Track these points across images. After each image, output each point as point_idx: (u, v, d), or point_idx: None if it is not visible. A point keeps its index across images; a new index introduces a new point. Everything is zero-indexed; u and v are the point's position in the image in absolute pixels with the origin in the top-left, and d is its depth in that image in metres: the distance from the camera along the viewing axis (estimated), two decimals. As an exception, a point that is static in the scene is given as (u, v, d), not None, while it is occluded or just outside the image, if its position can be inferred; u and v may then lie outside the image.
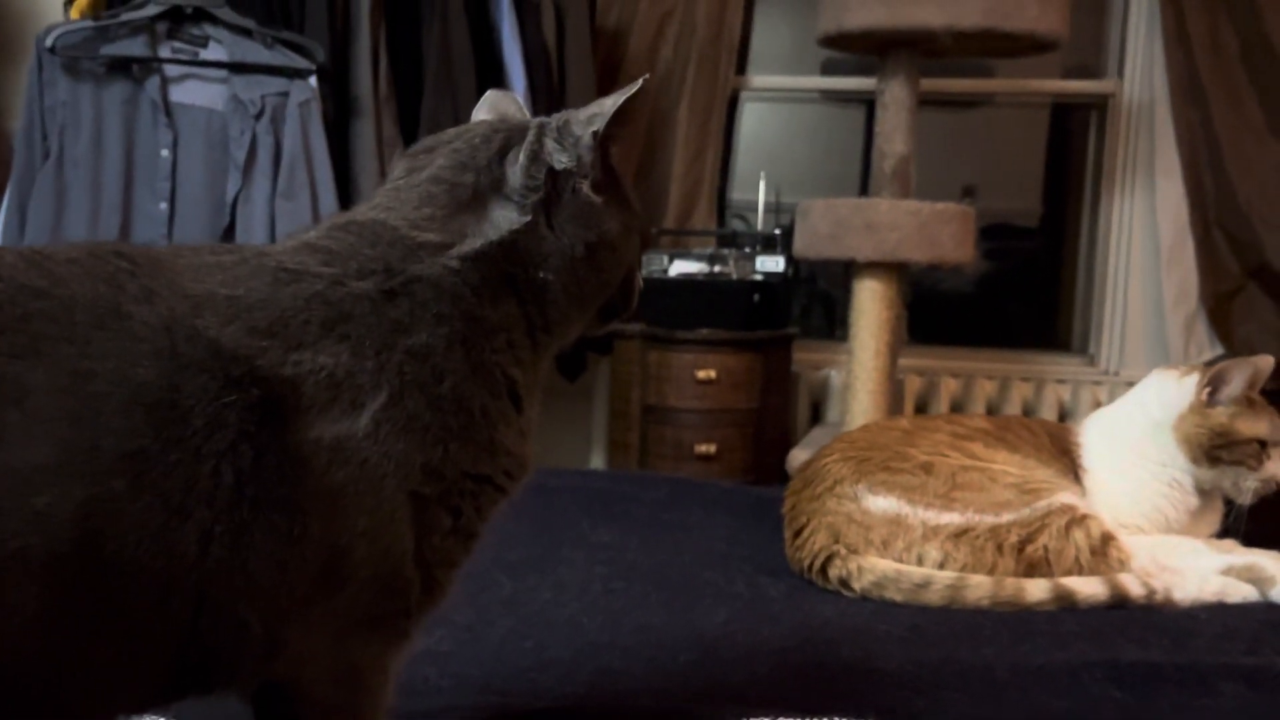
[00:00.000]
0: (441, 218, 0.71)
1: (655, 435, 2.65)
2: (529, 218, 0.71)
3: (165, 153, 2.29)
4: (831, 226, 2.32)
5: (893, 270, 2.35)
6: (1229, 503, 1.41)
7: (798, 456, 2.43)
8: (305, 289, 0.64)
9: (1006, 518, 1.26)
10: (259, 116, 2.32)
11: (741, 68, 3.08)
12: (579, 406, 2.98)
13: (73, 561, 0.53)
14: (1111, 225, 2.97)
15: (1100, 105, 3.03)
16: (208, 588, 0.58)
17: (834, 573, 1.27)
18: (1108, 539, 1.27)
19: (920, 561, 1.26)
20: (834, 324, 3.29)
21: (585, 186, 0.73)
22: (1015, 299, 3.47)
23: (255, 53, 2.33)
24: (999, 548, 1.24)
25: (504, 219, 0.71)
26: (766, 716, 0.88)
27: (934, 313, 3.30)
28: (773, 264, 2.73)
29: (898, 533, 1.26)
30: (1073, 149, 3.22)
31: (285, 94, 2.34)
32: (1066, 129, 3.28)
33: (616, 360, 2.73)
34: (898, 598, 1.23)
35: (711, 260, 2.72)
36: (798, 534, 1.33)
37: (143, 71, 2.29)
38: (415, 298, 0.67)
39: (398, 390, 0.64)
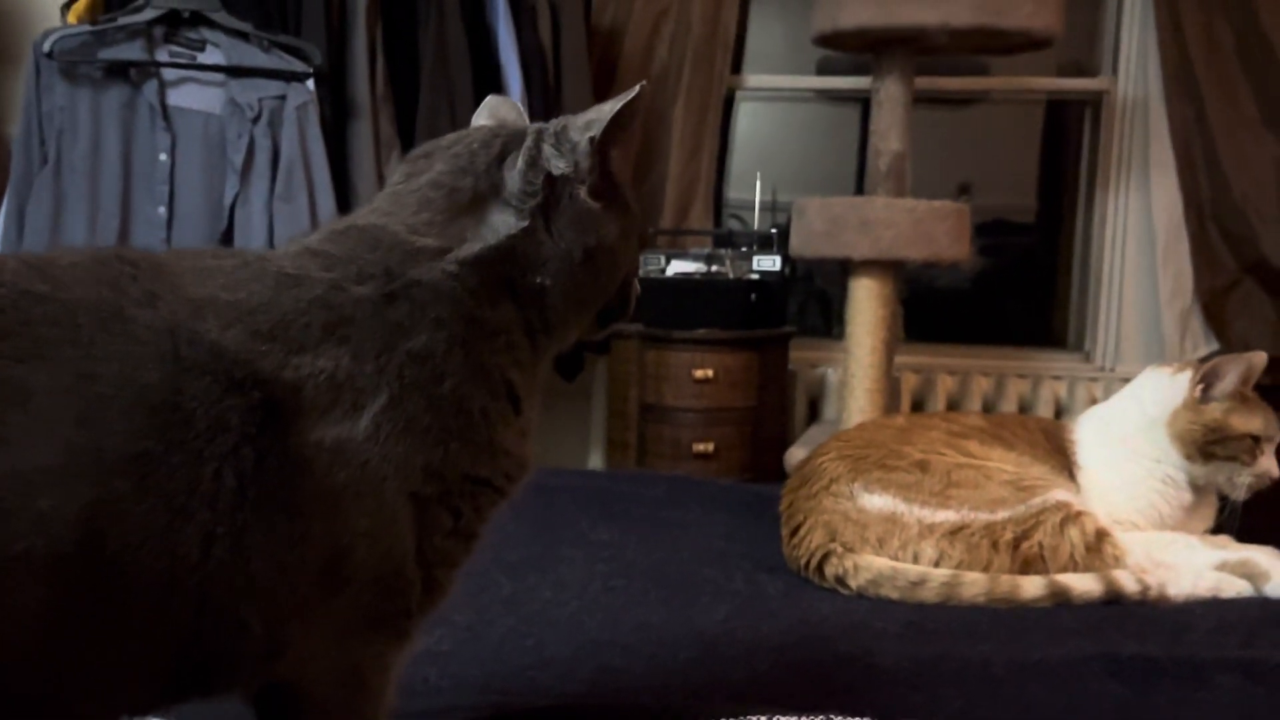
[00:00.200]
0: (440, 222, 0.72)
1: (653, 434, 2.66)
2: (527, 223, 0.72)
3: (163, 157, 2.30)
4: (827, 225, 2.32)
5: (888, 268, 2.35)
6: (1223, 498, 1.42)
7: (795, 454, 2.44)
8: (306, 293, 0.65)
9: (1002, 515, 1.27)
10: (256, 120, 2.32)
11: (737, 67, 3.09)
12: (577, 406, 2.99)
13: (76, 563, 0.54)
14: (1106, 221, 2.98)
15: (1095, 102, 3.04)
16: (209, 589, 0.58)
17: (830, 571, 1.28)
18: (1102, 535, 1.28)
19: (916, 559, 1.26)
20: (831, 322, 3.30)
21: (583, 192, 0.73)
22: (1011, 296, 3.48)
23: (252, 56, 2.34)
24: (994, 545, 1.25)
25: (502, 224, 0.72)
26: (765, 714, 0.89)
27: (930, 310, 3.31)
28: (769, 263, 2.74)
29: (893, 530, 1.27)
30: (1068, 145, 3.23)
31: (283, 97, 2.34)
32: (1062, 125, 3.28)
33: (614, 360, 2.74)
34: (894, 595, 1.24)
35: (708, 260, 2.73)
36: (794, 532, 1.34)
37: (140, 76, 2.30)
38: (415, 301, 0.67)
39: (398, 393, 0.65)
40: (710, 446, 2.60)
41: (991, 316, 3.46)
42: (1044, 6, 2.29)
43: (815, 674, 1.06)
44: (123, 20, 2.28)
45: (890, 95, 2.43)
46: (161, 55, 2.32)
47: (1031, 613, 1.20)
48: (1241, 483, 1.37)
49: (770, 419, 2.75)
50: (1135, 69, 2.90)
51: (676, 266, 2.73)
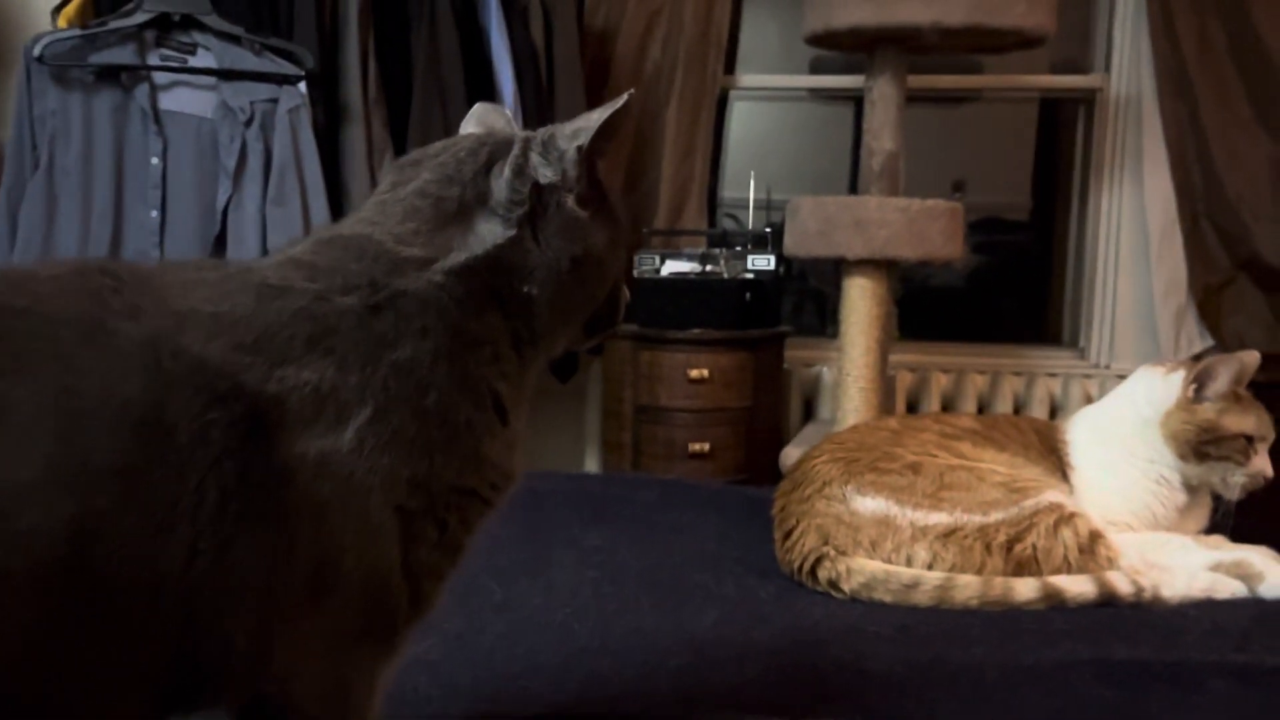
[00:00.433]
0: (426, 232, 0.71)
1: (648, 435, 2.66)
2: (514, 232, 0.71)
3: (155, 161, 2.29)
4: (821, 224, 2.32)
5: (882, 267, 2.35)
6: (1217, 498, 1.42)
7: (790, 454, 2.43)
8: (290, 304, 0.65)
9: (995, 517, 1.26)
10: (249, 123, 2.31)
11: (730, 67, 3.08)
12: (572, 407, 2.98)
13: (58, 578, 0.54)
14: (1100, 219, 2.98)
15: (1088, 100, 3.03)
16: (194, 603, 0.58)
17: (823, 574, 1.28)
18: (1096, 537, 1.27)
19: (909, 562, 1.26)
20: (826, 320, 3.30)
21: (570, 201, 0.73)
22: (1006, 293, 3.48)
23: (244, 59, 2.33)
24: (987, 547, 1.25)
25: (489, 233, 0.71)
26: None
27: (925, 308, 3.31)
28: (764, 262, 2.74)
29: (886, 533, 1.27)
30: (1062, 143, 3.23)
31: (275, 100, 2.34)
32: (1056, 123, 3.28)
33: (609, 360, 2.74)
34: (887, 599, 1.24)
35: (703, 260, 2.73)
36: (787, 536, 1.34)
37: (132, 80, 2.29)
38: (400, 312, 0.67)
39: (382, 404, 0.64)
40: (705, 447, 2.59)
41: (986, 314, 3.47)
42: (1037, 5, 2.28)
43: (807, 679, 1.06)
44: (113, 24, 2.28)
45: (883, 94, 2.43)
46: (153, 59, 2.31)
47: (1025, 615, 1.20)
48: (1235, 483, 1.37)
49: (765, 419, 2.75)
50: (1128, 67, 2.91)
51: (671, 266, 2.72)
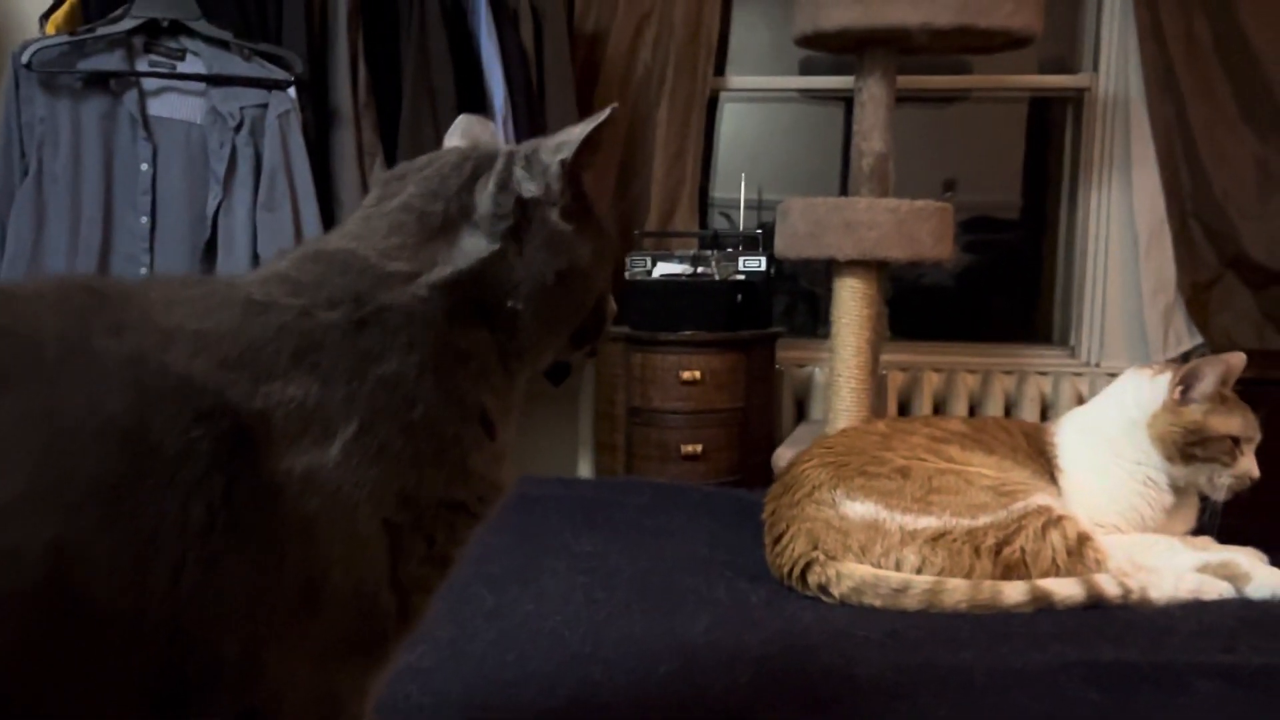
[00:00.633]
0: (411, 246, 0.71)
1: (641, 437, 2.66)
2: (498, 246, 0.72)
3: (145, 167, 2.29)
4: (811, 226, 2.33)
5: (873, 268, 2.36)
6: (1204, 500, 1.42)
7: (783, 454, 2.44)
8: (274, 320, 0.65)
9: (983, 520, 1.27)
10: (238, 129, 2.31)
11: (720, 68, 3.09)
12: (565, 410, 2.99)
13: (43, 597, 0.54)
14: (1090, 217, 2.99)
15: (1076, 99, 3.05)
16: (182, 619, 0.58)
17: (813, 579, 1.28)
18: (1084, 539, 1.28)
19: (898, 566, 1.27)
20: (818, 321, 3.31)
21: (554, 214, 0.73)
22: (996, 291, 3.49)
23: (233, 65, 2.33)
24: (976, 551, 1.26)
25: (473, 247, 0.72)
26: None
27: (916, 307, 3.32)
28: (755, 264, 2.75)
29: (876, 538, 1.27)
30: (1052, 142, 3.24)
31: (264, 105, 2.33)
32: (1045, 122, 3.29)
33: (601, 363, 2.74)
34: (876, 603, 1.24)
35: (694, 261, 2.73)
36: (777, 540, 1.34)
37: (120, 86, 2.29)
38: (385, 326, 0.67)
39: (368, 419, 0.64)
40: (698, 448, 2.60)
41: (977, 313, 3.48)
42: (1024, 6, 2.29)
43: (797, 685, 1.06)
44: (102, 30, 2.27)
45: (872, 96, 2.44)
46: (141, 65, 2.31)
47: (1013, 619, 1.21)
48: (1221, 484, 1.38)
49: (758, 419, 2.76)
50: (1116, 66, 2.92)
51: (662, 268, 2.73)
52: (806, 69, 3.21)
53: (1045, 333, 3.24)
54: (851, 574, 1.26)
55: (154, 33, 2.31)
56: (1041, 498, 1.30)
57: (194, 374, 0.60)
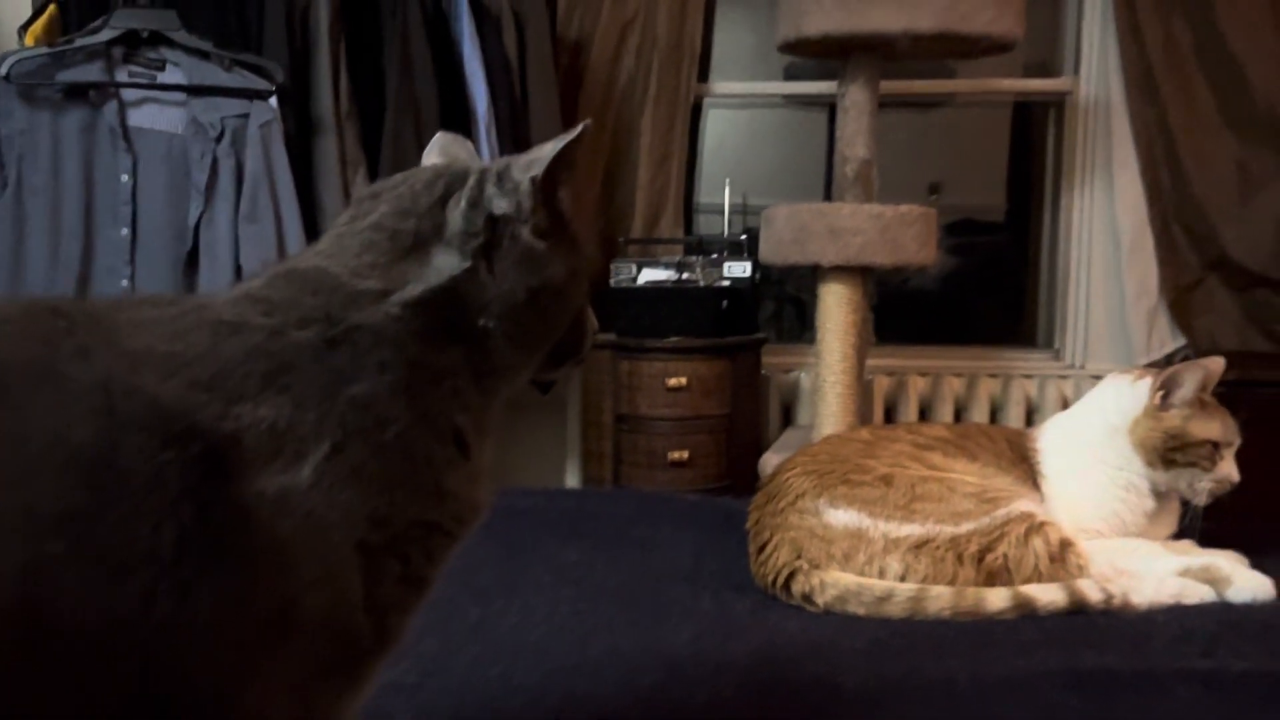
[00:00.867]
0: (383, 264, 0.71)
1: (628, 444, 2.66)
2: (469, 264, 0.71)
3: (125, 178, 2.28)
4: (795, 232, 2.33)
5: (857, 274, 2.36)
6: (1185, 504, 1.43)
7: (770, 460, 2.44)
8: (245, 341, 0.65)
9: (966, 527, 1.27)
10: (220, 139, 2.30)
11: (704, 74, 3.09)
12: (552, 418, 2.98)
13: (10, 626, 0.54)
14: (1073, 220, 3.01)
15: (1058, 103, 3.06)
16: (154, 646, 0.58)
17: (797, 588, 1.28)
18: (1066, 545, 1.28)
19: (882, 574, 1.27)
20: (806, 325, 3.31)
21: (526, 232, 0.73)
22: (982, 295, 3.51)
23: (214, 75, 2.32)
24: (959, 558, 1.26)
25: (445, 265, 0.71)
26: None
27: (902, 311, 3.33)
28: (740, 270, 2.75)
29: (859, 546, 1.27)
30: (1036, 145, 3.26)
31: (246, 116, 2.33)
32: (1029, 125, 3.31)
33: (588, 370, 2.74)
34: (860, 611, 1.24)
35: (679, 268, 2.74)
36: (761, 550, 1.34)
37: (100, 97, 2.28)
38: (357, 346, 0.67)
39: (340, 440, 0.64)
40: (685, 455, 2.60)
41: (962, 316, 3.49)
42: (1005, 11, 2.30)
43: (782, 695, 1.06)
44: (81, 41, 2.26)
45: (855, 102, 2.45)
46: (121, 76, 2.30)
47: (997, 626, 1.21)
48: (1202, 488, 1.38)
49: (744, 425, 2.76)
50: (1097, 70, 2.93)
51: (647, 275, 2.73)
52: (790, 74, 3.22)
53: (1030, 336, 3.26)
54: (835, 583, 1.26)
55: (134, 44, 2.30)
56: (1024, 504, 1.31)
57: (163, 397, 0.60)
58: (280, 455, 0.62)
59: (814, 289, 2.44)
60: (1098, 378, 1.55)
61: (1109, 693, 1.03)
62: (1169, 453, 1.38)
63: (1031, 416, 2.86)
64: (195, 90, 2.30)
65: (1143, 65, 2.77)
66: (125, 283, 2.27)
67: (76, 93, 2.26)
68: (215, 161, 2.30)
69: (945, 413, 2.91)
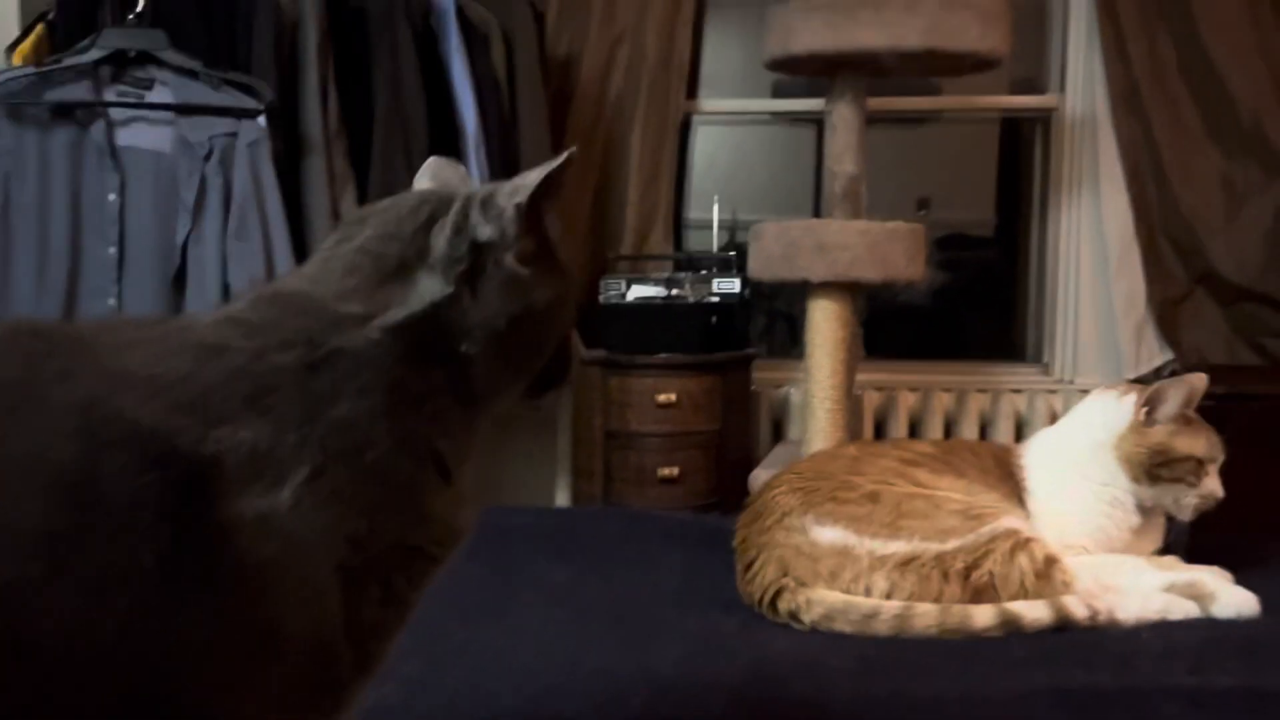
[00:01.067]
0: (366, 289, 0.71)
1: (618, 460, 2.66)
2: (453, 289, 0.71)
3: (113, 197, 2.27)
4: (784, 248, 2.34)
5: (846, 289, 2.37)
6: (1170, 520, 1.43)
7: (760, 476, 2.44)
8: (227, 363, 0.65)
9: (952, 544, 1.27)
10: (208, 158, 2.30)
11: (693, 91, 3.11)
12: (543, 435, 2.98)
13: None
14: (1061, 235, 3.03)
15: (1045, 119, 3.08)
16: (133, 669, 0.58)
17: (784, 606, 1.28)
18: (1051, 562, 1.28)
19: (868, 592, 1.27)
20: (796, 341, 3.32)
21: (509, 258, 0.73)
22: (971, 310, 3.52)
23: (202, 94, 2.32)
24: (945, 575, 1.26)
25: (428, 290, 0.71)
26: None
27: (891, 326, 3.33)
28: (729, 285, 2.76)
29: (845, 563, 1.27)
30: (1023, 161, 3.28)
31: (234, 134, 2.32)
32: (1017, 141, 3.33)
33: (578, 387, 2.74)
34: (847, 629, 1.24)
35: (668, 284, 2.74)
36: (748, 567, 1.34)
37: (87, 116, 2.27)
38: (338, 370, 0.67)
39: (321, 463, 0.64)
40: (675, 471, 2.60)
41: (952, 331, 3.50)
42: (991, 29, 2.32)
43: (769, 714, 1.06)
44: (68, 61, 2.26)
45: (843, 118, 2.46)
46: (109, 95, 2.29)
47: (983, 644, 1.21)
48: (1187, 504, 1.39)
49: (735, 441, 2.76)
50: (1083, 86, 2.96)
51: (637, 291, 2.74)
52: (779, 92, 3.24)
53: (1019, 350, 3.27)
54: (822, 600, 1.26)
55: (122, 63, 2.30)
56: (1010, 520, 1.31)
57: (144, 420, 0.60)
58: (261, 478, 0.62)
59: (804, 304, 2.45)
60: (1086, 392, 1.56)
61: (1095, 710, 1.04)
62: (1154, 468, 1.38)
63: (1021, 430, 2.87)
64: (183, 109, 2.30)
65: (1128, 81, 2.79)
66: (112, 301, 2.27)
67: (64, 112, 2.26)
68: (203, 180, 2.30)
69: (935, 427, 2.92)
